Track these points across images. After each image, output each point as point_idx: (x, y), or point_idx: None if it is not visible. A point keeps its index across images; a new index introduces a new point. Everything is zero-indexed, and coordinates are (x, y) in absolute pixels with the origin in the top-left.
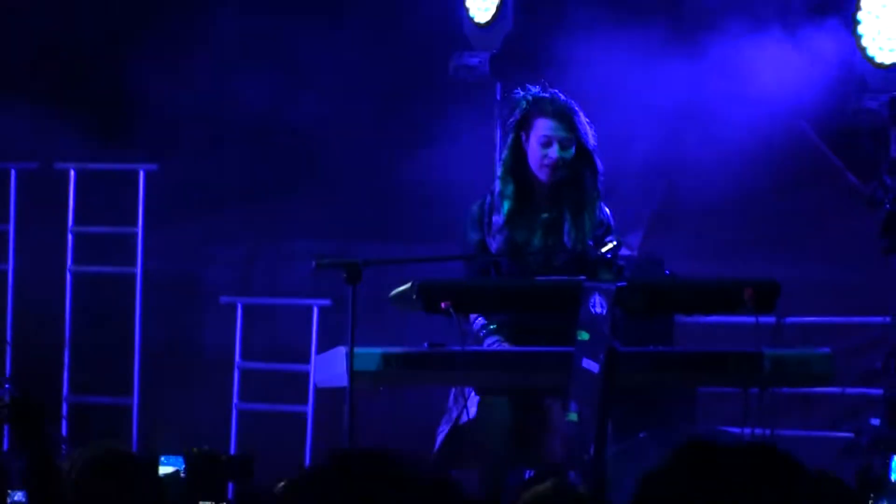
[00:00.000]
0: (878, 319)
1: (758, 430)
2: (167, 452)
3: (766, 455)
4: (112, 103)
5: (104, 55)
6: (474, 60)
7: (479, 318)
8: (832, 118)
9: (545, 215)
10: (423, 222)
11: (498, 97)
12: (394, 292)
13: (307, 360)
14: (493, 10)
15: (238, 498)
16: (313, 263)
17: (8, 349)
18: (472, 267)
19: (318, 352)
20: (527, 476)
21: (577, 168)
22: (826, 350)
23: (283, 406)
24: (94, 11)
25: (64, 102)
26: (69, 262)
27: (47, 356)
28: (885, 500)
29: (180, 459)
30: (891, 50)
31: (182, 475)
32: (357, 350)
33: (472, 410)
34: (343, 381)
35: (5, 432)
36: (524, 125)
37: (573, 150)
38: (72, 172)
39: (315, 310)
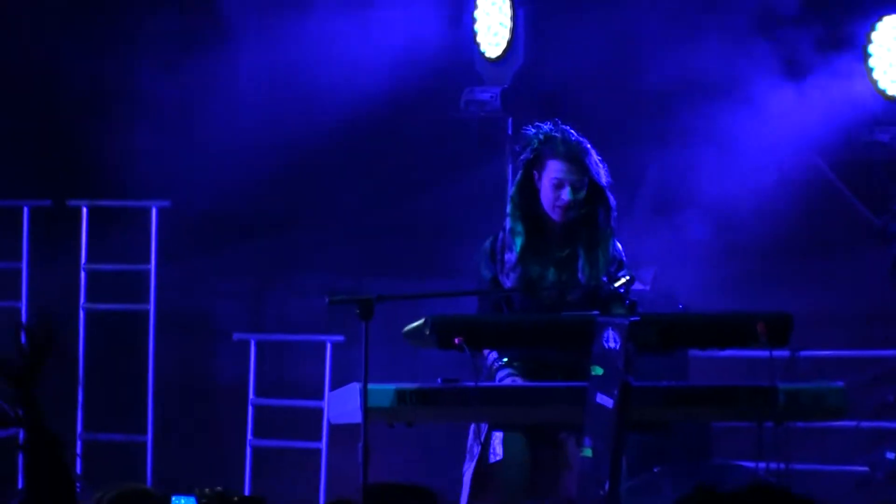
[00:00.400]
0: (892, 352)
1: (772, 465)
2: (179, 492)
3: (770, 497)
4: (124, 141)
5: (118, 92)
6: (485, 95)
7: (493, 352)
8: (844, 151)
9: (559, 252)
10: (436, 257)
11: (509, 132)
12: (407, 328)
13: (321, 397)
14: (503, 46)
15: None
16: (326, 299)
17: None
18: (485, 303)
19: (332, 388)
20: None
21: (590, 205)
22: (840, 384)
23: (297, 442)
24: (110, 49)
25: (76, 140)
26: (82, 299)
27: (61, 393)
28: None
29: (192, 499)
30: None
31: None
32: (371, 386)
33: (499, 450)
34: (357, 417)
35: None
36: (536, 164)
37: (585, 190)
38: (84, 210)
39: (328, 346)
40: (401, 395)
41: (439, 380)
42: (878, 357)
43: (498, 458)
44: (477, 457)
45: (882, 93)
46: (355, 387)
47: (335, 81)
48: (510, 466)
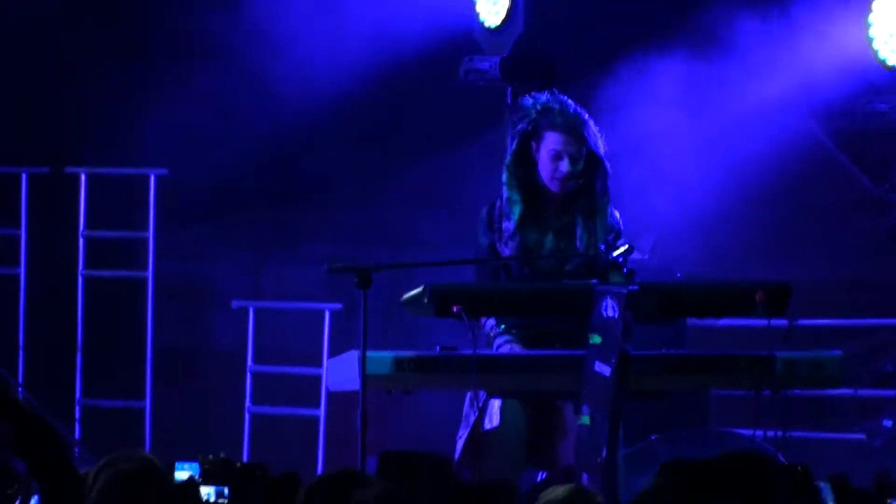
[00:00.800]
0: (890, 321)
1: (770, 433)
2: (182, 459)
3: (753, 464)
4: (123, 108)
5: (115, 59)
6: (485, 64)
7: (490, 320)
8: (843, 120)
9: (557, 220)
10: (434, 226)
11: (509, 101)
12: (406, 296)
13: (319, 364)
14: (503, 14)
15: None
16: (325, 268)
17: (20, 353)
18: (482, 271)
19: (330, 355)
20: (539, 478)
21: (587, 175)
22: (837, 352)
23: (295, 409)
24: (106, 16)
25: (74, 107)
26: (81, 266)
27: (59, 360)
28: None
29: (196, 466)
30: None
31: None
32: (369, 354)
33: (496, 418)
34: (355, 384)
35: None
36: (534, 135)
37: (583, 161)
38: (83, 177)
39: (327, 314)
40: (399, 363)
41: (437, 347)
42: (876, 326)
43: (494, 426)
44: (472, 424)
45: (882, 63)
46: (354, 354)
47: (335, 50)
48: (507, 434)
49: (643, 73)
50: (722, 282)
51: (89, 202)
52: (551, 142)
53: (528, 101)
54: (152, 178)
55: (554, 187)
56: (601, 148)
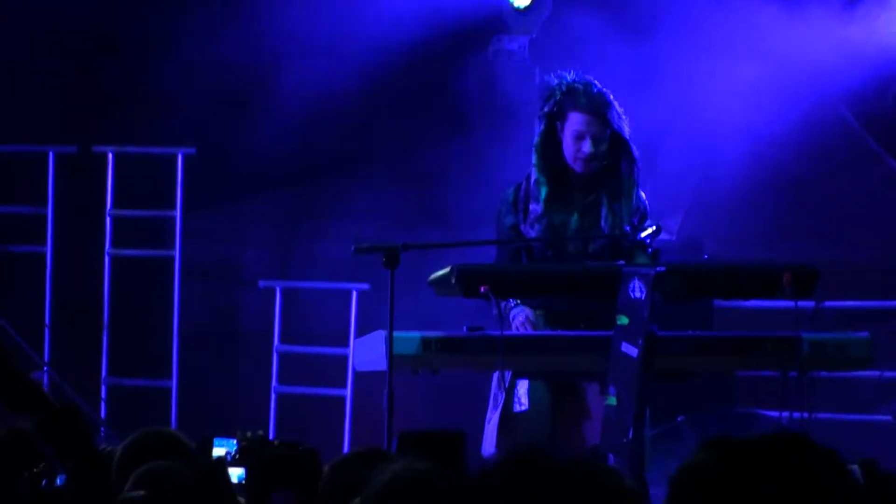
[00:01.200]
0: None
1: (796, 414)
2: (220, 435)
3: (796, 445)
4: (151, 86)
5: (143, 38)
6: (513, 45)
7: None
8: (872, 104)
9: (582, 201)
10: (462, 207)
11: (537, 82)
12: (433, 276)
13: (346, 344)
14: None
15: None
16: (352, 247)
17: (46, 332)
18: (503, 251)
19: (357, 335)
20: None
21: (612, 157)
22: (864, 334)
23: (321, 390)
24: None
25: (102, 85)
26: (107, 245)
27: (86, 339)
28: None
29: (233, 442)
30: None
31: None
32: (396, 334)
33: (525, 400)
34: (382, 364)
35: None
36: (558, 116)
37: (606, 143)
38: (110, 156)
39: (354, 294)
40: (426, 343)
41: (465, 328)
42: None
43: (524, 409)
44: (501, 405)
45: None
46: (381, 334)
47: (363, 30)
48: (534, 416)
49: (674, 55)
50: (749, 263)
51: (116, 181)
52: (574, 122)
53: (554, 81)
54: (180, 157)
55: (578, 168)
56: (626, 130)
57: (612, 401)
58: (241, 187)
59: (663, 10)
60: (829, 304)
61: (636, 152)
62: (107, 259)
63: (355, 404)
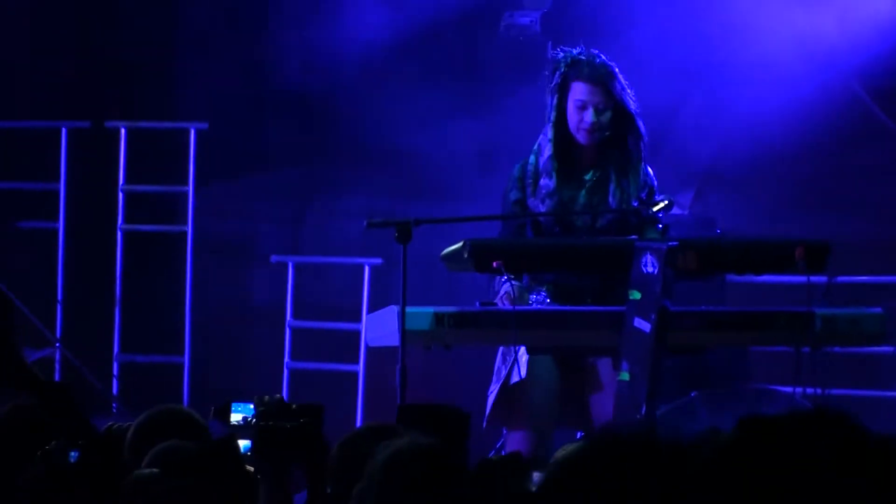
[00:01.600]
0: None
1: (809, 390)
2: (238, 399)
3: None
4: (164, 61)
5: (155, 13)
6: (525, 19)
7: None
8: (884, 78)
9: (590, 175)
10: (474, 182)
11: (549, 56)
12: (445, 252)
13: (358, 319)
14: None
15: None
16: (364, 222)
17: (59, 308)
18: (508, 226)
19: (370, 311)
20: (577, 437)
21: (618, 131)
22: (878, 309)
23: (334, 365)
24: None
25: (115, 61)
26: (120, 220)
27: (98, 315)
28: None
29: (249, 406)
30: None
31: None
32: (409, 309)
33: (524, 370)
34: (395, 340)
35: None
36: (563, 87)
37: (609, 114)
38: (122, 131)
39: (366, 269)
40: (439, 318)
41: (477, 303)
42: None
43: (521, 378)
44: (503, 378)
45: None
46: (393, 310)
47: (374, 5)
48: (537, 389)
49: (687, 31)
50: (761, 238)
51: (129, 156)
52: (577, 92)
53: (559, 54)
54: (192, 132)
55: (581, 138)
56: (631, 104)
57: (625, 376)
58: (253, 162)
59: None
60: (841, 279)
61: (642, 126)
62: (119, 235)
63: (368, 380)
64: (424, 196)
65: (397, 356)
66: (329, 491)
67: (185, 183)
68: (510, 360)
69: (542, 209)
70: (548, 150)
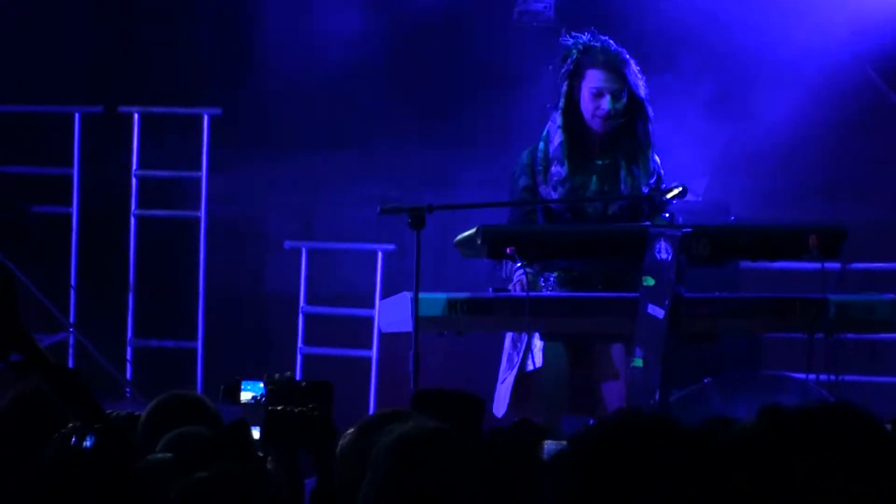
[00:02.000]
0: None
1: (822, 377)
2: (247, 377)
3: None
4: (177, 47)
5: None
6: (539, 5)
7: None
8: None
9: (600, 161)
10: (488, 169)
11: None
12: (458, 238)
13: (371, 305)
14: None
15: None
16: (378, 208)
17: (72, 293)
18: (516, 213)
19: (383, 297)
20: (590, 423)
21: (628, 117)
22: (890, 296)
23: (347, 351)
24: None
25: (128, 46)
26: (133, 206)
27: (111, 300)
28: None
29: (258, 384)
30: None
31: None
32: (422, 295)
33: (539, 359)
34: (408, 326)
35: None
36: (576, 75)
37: (624, 100)
38: (136, 116)
39: (379, 255)
40: (452, 304)
41: (490, 289)
42: None
43: (537, 367)
44: (518, 365)
45: None
46: (406, 296)
47: None
48: (550, 376)
49: (699, 15)
50: (775, 224)
51: (142, 141)
52: (592, 79)
53: (569, 41)
54: (206, 117)
55: (596, 126)
56: (642, 90)
57: (639, 363)
58: (267, 148)
59: None
60: (855, 265)
61: (651, 113)
62: (132, 220)
63: (381, 365)
64: (439, 182)
65: (410, 342)
66: (340, 476)
67: (199, 168)
68: (522, 346)
69: (555, 196)
70: (558, 138)
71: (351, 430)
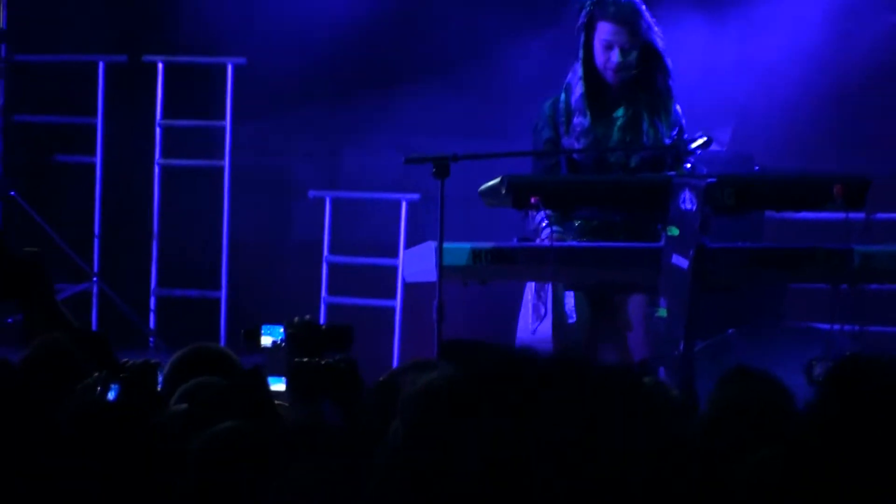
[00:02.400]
0: None
1: (847, 327)
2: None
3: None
4: None
5: None
6: None
7: (540, 213)
8: None
9: (620, 112)
10: (513, 118)
11: None
12: (483, 187)
13: (395, 255)
14: None
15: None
16: (402, 158)
17: (96, 242)
18: (539, 164)
19: (407, 246)
20: None
21: (646, 69)
22: None
23: (371, 300)
24: None
25: None
26: (157, 155)
27: (135, 250)
28: None
29: (278, 329)
30: None
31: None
32: (446, 245)
33: (574, 313)
34: (432, 275)
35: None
36: (589, 26)
37: (635, 53)
38: (160, 66)
39: (404, 204)
40: (476, 254)
41: (515, 239)
42: None
43: (573, 321)
44: (547, 316)
45: None
46: (430, 245)
47: None
48: (578, 329)
49: None
50: (800, 174)
51: (166, 91)
52: (603, 31)
53: None
54: (230, 67)
55: (609, 78)
56: (659, 41)
57: (663, 313)
58: (291, 97)
59: None
60: (880, 215)
61: (670, 64)
62: (156, 169)
63: (404, 315)
64: (464, 132)
65: (434, 292)
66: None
67: (223, 118)
68: (547, 297)
69: (578, 146)
70: (579, 89)
71: (378, 381)
